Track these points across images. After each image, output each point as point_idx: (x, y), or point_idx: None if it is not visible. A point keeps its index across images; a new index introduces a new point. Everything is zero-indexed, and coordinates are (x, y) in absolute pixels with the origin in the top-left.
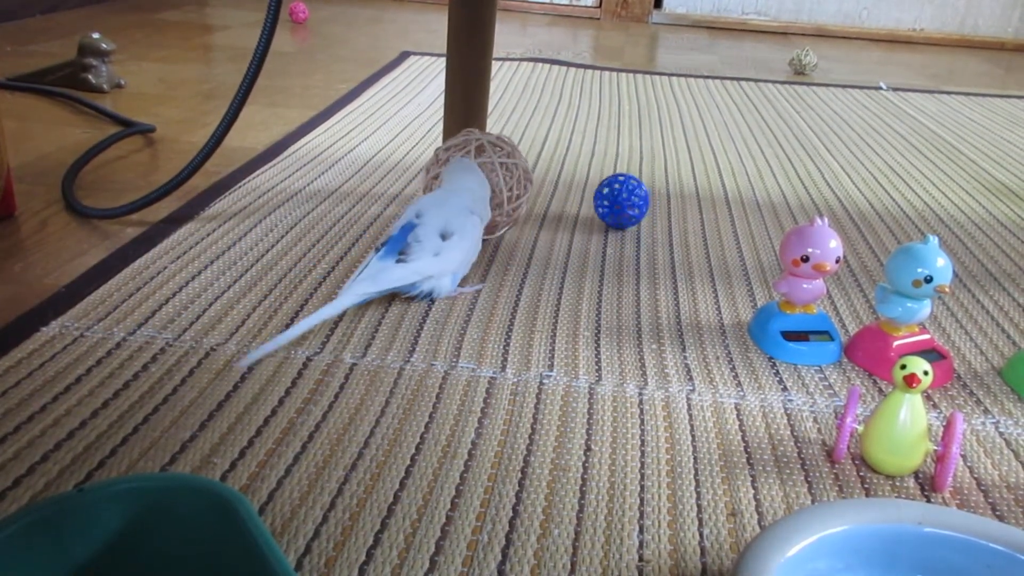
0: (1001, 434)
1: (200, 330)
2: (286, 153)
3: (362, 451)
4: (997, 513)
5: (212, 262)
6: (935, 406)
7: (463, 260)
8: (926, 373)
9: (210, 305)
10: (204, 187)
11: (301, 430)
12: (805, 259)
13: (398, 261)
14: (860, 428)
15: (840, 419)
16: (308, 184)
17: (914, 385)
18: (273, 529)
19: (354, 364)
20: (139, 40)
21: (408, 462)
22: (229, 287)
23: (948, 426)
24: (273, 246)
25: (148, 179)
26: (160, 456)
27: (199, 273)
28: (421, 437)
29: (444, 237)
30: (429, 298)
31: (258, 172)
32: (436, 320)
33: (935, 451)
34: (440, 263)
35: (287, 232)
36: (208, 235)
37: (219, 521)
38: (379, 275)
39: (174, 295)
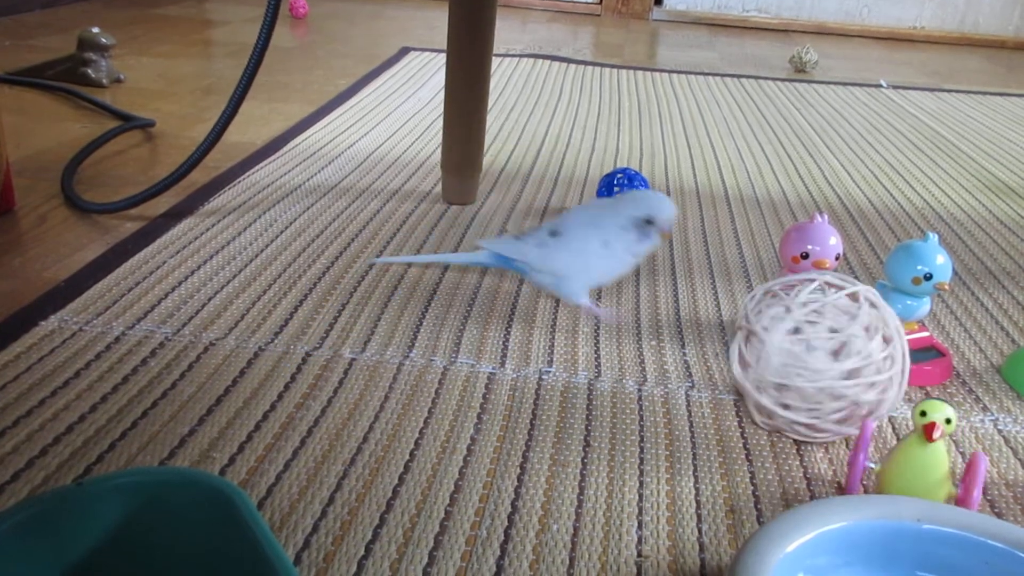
0: (1000, 432)
1: (199, 325)
2: (285, 148)
3: (361, 446)
4: (996, 510)
5: (211, 257)
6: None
7: (566, 268)
8: (948, 421)
9: (209, 300)
10: (203, 182)
11: (300, 425)
12: (805, 256)
13: (515, 237)
14: (876, 467)
15: (852, 456)
16: (307, 180)
17: (932, 439)
18: (272, 524)
19: (353, 359)
20: (139, 35)
21: (407, 457)
22: (228, 282)
23: (969, 468)
24: (272, 241)
25: (147, 174)
26: (159, 451)
27: (198, 268)
28: (420, 432)
29: (552, 235)
30: (552, 291)
31: (257, 167)
32: (435, 315)
33: (956, 494)
34: (538, 255)
35: (286, 227)
36: (207, 230)
37: (218, 516)
38: (498, 242)
39: (173, 290)
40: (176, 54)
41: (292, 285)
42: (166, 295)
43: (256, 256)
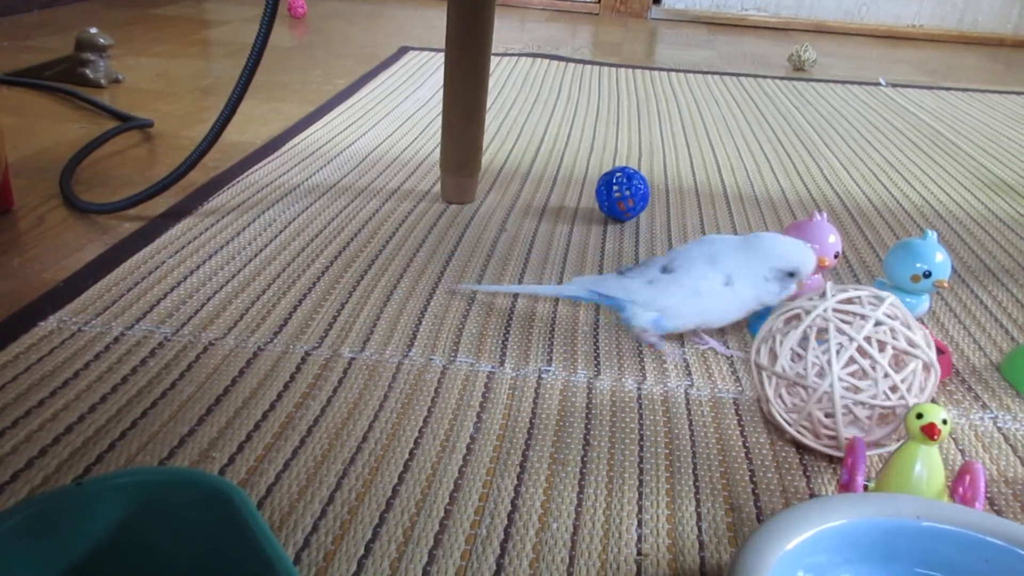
0: (999, 429)
1: (198, 324)
2: (284, 148)
3: (360, 445)
4: (995, 508)
5: (210, 257)
6: (932, 402)
7: (677, 306)
8: (945, 422)
9: (208, 300)
10: (202, 182)
11: (299, 424)
12: None
13: (619, 273)
14: (872, 486)
15: (847, 475)
16: (306, 179)
17: (934, 437)
18: (272, 523)
19: (352, 359)
20: (137, 35)
21: (406, 456)
22: (227, 282)
23: (960, 475)
24: (271, 241)
25: (146, 174)
26: (158, 450)
27: (197, 268)
28: (419, 431)
29: (664, 271)
30: (627, 323)
31: (256, 167)
32: (434, 315)
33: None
34: (647, 292)
35: (285, 227)
36: (206, 230)
37: (218, 515)
38: (597, 278)
39: (172, 290)
40: (175, 54)
41: (291, 284)
42: (165, 295)
43: (255, 256)
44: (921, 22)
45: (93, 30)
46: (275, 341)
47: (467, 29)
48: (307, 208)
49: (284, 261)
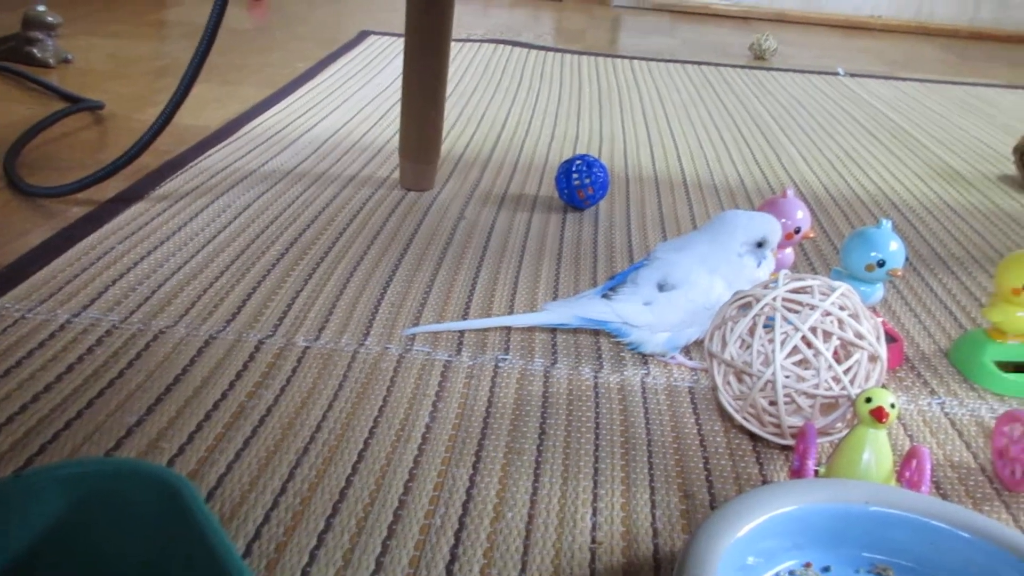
0: (946, 414)
1: (148, 312)
2: (241, 132)
3: (314, 435)
4: (941, 491)
5: (161, 243)
6: (883, 387)
7: (683, 322)
8: (893, 406)
9: (159, 287)
10: (155, 166)
11: (252, 414)
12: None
13: (603, 296)
14: (822, 471)
15: (798, 461)
16: (263, 164)
17: (883, 420)
18: (222, 515)
19: (307, 347)
20: (88, 14)
21: (361, 446)
22: (179, 268)
23: (907, 459)
24: (225, 227)
25: (96, 157)
26: (105, 441)
27: (148, 254)
28: (374, 421)
29: (662, 288)
30: (636, 349)
31: (211, 151)
32: (391, 303)
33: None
34: (647, 315)
35: (240, 213)
36: (158, 215)
37: (165, 507)
38: (577, 301)
39: (121, 276)
40: (128, 34)
41: (245, 272)
42: (114, 282)
43: (208, 242)
44: (880, 12)
45: (41, 8)
46: (228, 329)
47: (427, 13)
48: (263, 194)
49: (238, 248)
